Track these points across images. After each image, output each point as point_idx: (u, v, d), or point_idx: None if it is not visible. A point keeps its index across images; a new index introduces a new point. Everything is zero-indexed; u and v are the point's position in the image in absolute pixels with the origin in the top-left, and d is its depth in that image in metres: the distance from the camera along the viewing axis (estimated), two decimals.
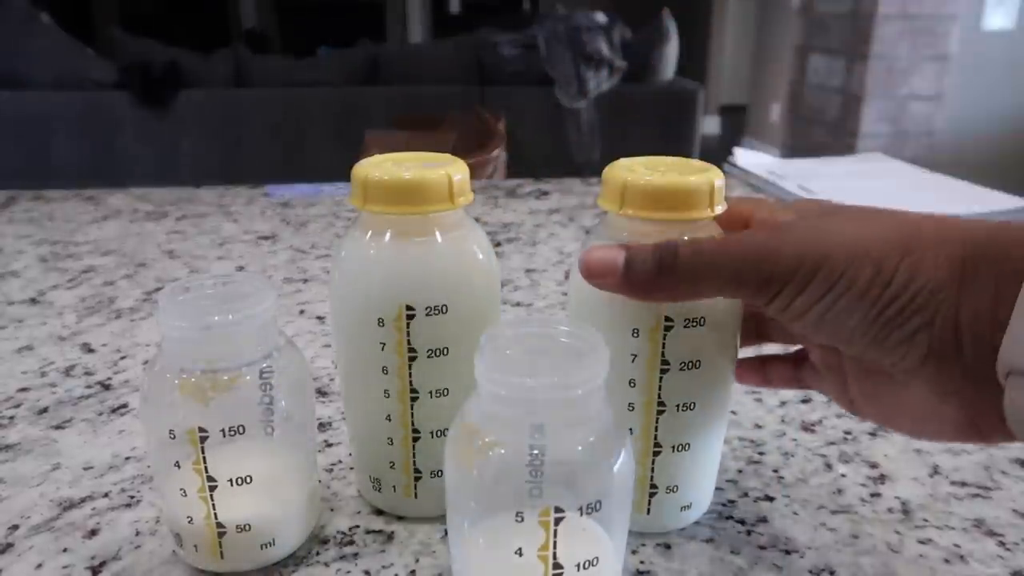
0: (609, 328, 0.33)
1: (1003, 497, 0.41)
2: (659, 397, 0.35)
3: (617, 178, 0.34)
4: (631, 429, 0.36)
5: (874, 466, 0.44)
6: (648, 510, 0.38)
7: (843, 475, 0.43)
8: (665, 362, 0.34)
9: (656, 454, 0.36)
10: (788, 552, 0.37)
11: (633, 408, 0.35)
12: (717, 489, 0.41)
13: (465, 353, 0.32)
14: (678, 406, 0.35)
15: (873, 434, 0.47)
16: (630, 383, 0.35)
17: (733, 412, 0.49)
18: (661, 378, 0.35)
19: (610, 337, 0.30)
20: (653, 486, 0.37)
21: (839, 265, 0.29)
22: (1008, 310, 0.26)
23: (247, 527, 0.35)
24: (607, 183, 0.34)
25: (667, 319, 0.34)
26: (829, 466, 0.44)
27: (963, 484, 0.42)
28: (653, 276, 0.31)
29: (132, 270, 0.76)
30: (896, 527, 0.39)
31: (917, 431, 0.33)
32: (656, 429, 0.36)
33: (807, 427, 0.48)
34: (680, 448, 0.36)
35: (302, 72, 2.65)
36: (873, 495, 0.41)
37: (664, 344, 0.34)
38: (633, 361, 0.34)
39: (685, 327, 0.34)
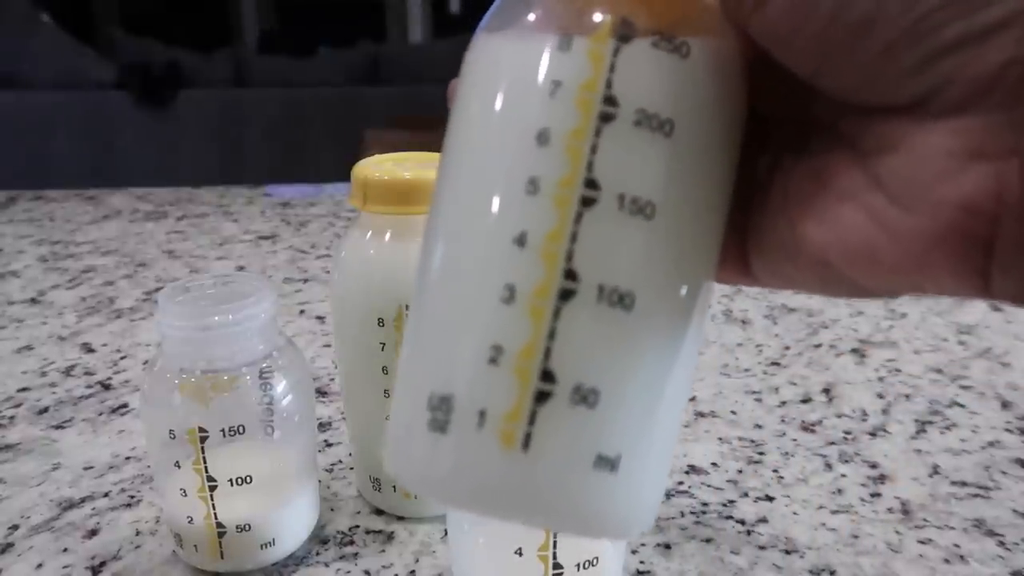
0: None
1: (1003, 497, 0.41)
2: None
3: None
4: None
5: (874, 466, 0.44)
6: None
7: (843, 475, 0.43)
8: None
9: None
10: (788, 552, 0.37)
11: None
12: (717, 489, 0.41)
13: None
14: None
15: (873, 434, 0.47)
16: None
17: (733, 412, 0.49)
18: None
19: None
20: None
21: None
22: None
23: (247, 527, 0.35)
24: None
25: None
26: (829, 466, 0.44)
27: (963, 484, 0.42)
28: None
29: (132, 270, 0.76)
30: (896, 527, 0.39)
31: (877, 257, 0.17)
32: None
33: (807, 427, 0.48)
34: None
35: (302, 72, 2.65)
36: (873, 495, 0.41)
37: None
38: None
39: None
